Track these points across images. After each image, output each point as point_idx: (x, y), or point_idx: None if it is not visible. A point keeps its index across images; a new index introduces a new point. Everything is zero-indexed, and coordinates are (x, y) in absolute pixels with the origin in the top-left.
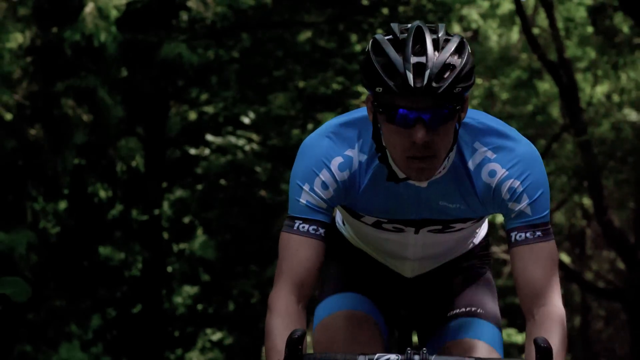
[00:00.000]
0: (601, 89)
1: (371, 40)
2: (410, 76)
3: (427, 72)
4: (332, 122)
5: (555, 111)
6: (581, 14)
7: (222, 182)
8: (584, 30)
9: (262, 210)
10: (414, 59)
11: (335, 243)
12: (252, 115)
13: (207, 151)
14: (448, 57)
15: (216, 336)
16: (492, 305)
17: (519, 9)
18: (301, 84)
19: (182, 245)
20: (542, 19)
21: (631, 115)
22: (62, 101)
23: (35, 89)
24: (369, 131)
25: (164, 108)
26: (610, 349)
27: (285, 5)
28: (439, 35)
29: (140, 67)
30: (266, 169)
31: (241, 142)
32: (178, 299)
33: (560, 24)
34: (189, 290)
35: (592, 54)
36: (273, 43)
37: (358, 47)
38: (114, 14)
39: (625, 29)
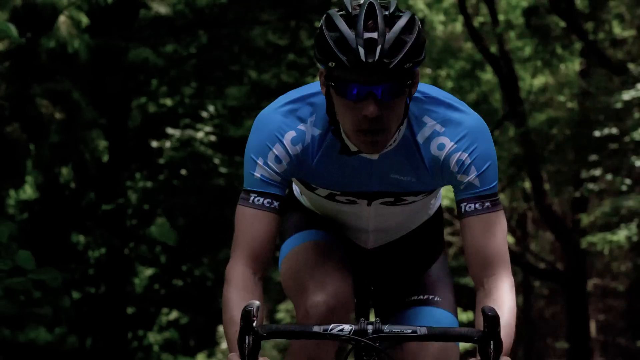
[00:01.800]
0: (539, 80)
1: (324, 16)
2: (362, 51)
3: (379, 48)
4: (286, 96)
5: (497, 99)
6: (518, 14)
7: (183, 172)
8: (524, 25)
9: (219, 197)
10: (366, 35)
11: (294, 205)
12: (211, 109)
13: (167, 144)
14: (399, 33)
15: (172, 316)
16: (448, 291)
17: (461, 4)
18: (253, 75)
19: (142, 231)
20: (486, 8)
21: (565, 106)
22: (37, 101)
23: (12, 91)
24: (323, 105)
25: (126, 101)
26: (553, 327)
27: (240, 3)
28: (391, 11)
29: (109, 71)
30: (224, 160)
31: (200, 135)
32: (136, 281)
33: (501, 17)
34: (149, 272)
35: (531, 46)
36: (229, 39)
37: (308, 43)
38: (84, 21)
39: (562, 23)
